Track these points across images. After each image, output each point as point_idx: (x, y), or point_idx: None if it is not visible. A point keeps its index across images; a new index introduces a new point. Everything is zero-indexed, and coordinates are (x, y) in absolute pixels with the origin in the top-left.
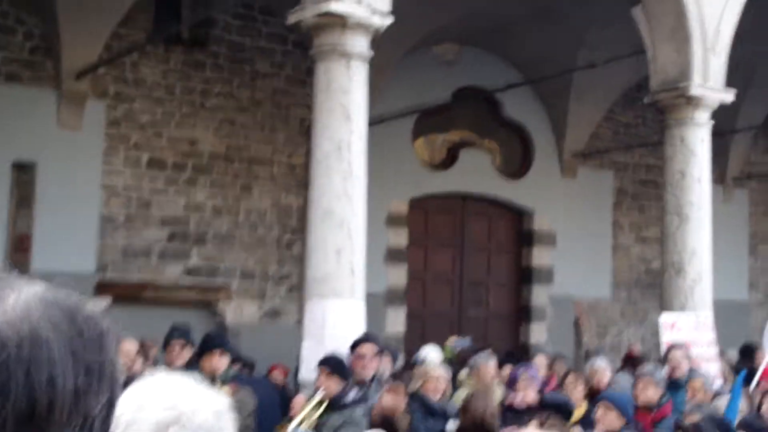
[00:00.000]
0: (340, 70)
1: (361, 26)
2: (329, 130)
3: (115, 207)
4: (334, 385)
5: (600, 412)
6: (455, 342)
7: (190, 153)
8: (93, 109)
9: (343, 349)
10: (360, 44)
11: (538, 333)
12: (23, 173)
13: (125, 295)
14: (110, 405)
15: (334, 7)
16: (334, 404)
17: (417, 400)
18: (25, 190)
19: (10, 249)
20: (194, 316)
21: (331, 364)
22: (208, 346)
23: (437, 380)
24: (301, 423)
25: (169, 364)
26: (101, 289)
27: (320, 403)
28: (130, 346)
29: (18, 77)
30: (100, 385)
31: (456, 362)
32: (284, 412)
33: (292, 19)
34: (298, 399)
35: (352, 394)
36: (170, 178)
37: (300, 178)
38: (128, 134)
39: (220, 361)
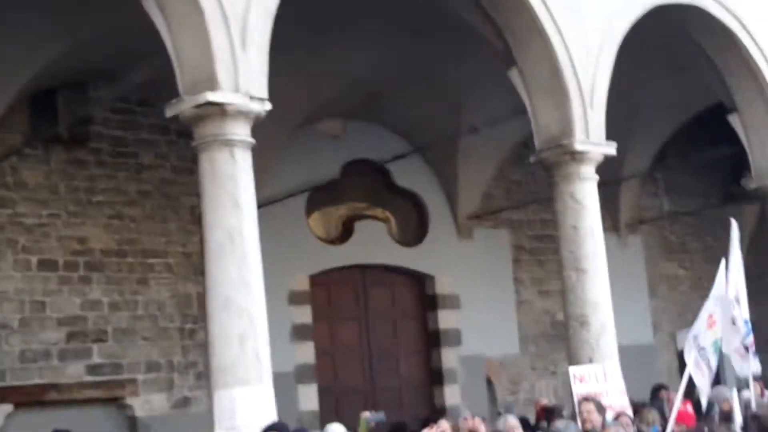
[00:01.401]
0: (224, 159)
1: (240, 113)
2: (220, 220)
3: (9, 312)
4: None
5: None
6: (369, 417)
7: (82, 251)
8: None
9: None
10: (242, 131)
11: (452, 396)
12: None
13: (28, 400)
14: None
15: (212, 97)
16: None
17: None
18: None
19: None
20: (102, 414)
21: None
22: None
23: None
24: None
25: None
26: (2, 395)
27: None
28: None
29: None
30: None
31: None
32: None
33: (170, 112)
34: None
35: None
36: (63, 278)
37: (196, 266)
38: (15, 238)
39: None
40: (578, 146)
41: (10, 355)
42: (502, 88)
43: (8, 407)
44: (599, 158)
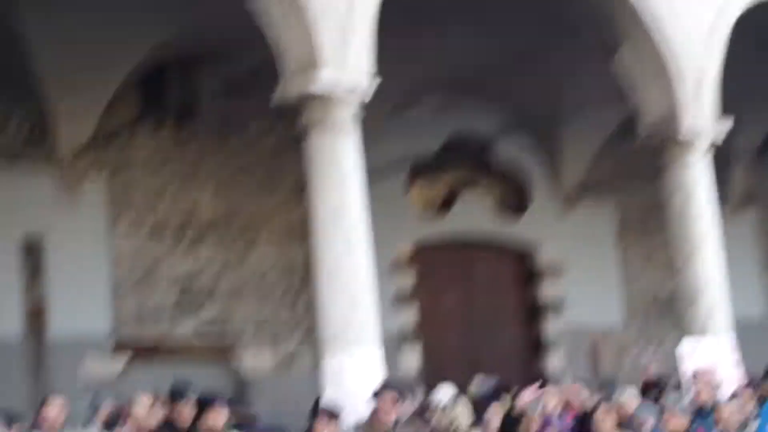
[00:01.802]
0: (329, 140)
1: (346, 96)
2: (325, 198)
3: (124, 272)
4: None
5: None
6: (480, 384)
7: (191, 219)
8: (92, 185)
9: (361, 398)
10: (347, 113)
11: (553, 366)
12: (33, 248)
13: (142, 355)
14: None
15: (318, 81)
16: None
17: None
18: (36, 264)
19: (27, 317)
20: (210, 370)
21: (327, 412)
22: (205, 402)
23: None
24: None
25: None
26: (118, 348)
27: None
28: (137, 406)
29: (19, 156)
30: None
31: (476, 405)
32: None
33: (276, 95)
34: None
35: None
36: (174, 242)
37: (300, 233)
38: (130, 203)
39: (219, 416)
40: (686, 130)
41: (126, 312)
42: (607, 69)
43: (123, 362)
44: (708, 140)
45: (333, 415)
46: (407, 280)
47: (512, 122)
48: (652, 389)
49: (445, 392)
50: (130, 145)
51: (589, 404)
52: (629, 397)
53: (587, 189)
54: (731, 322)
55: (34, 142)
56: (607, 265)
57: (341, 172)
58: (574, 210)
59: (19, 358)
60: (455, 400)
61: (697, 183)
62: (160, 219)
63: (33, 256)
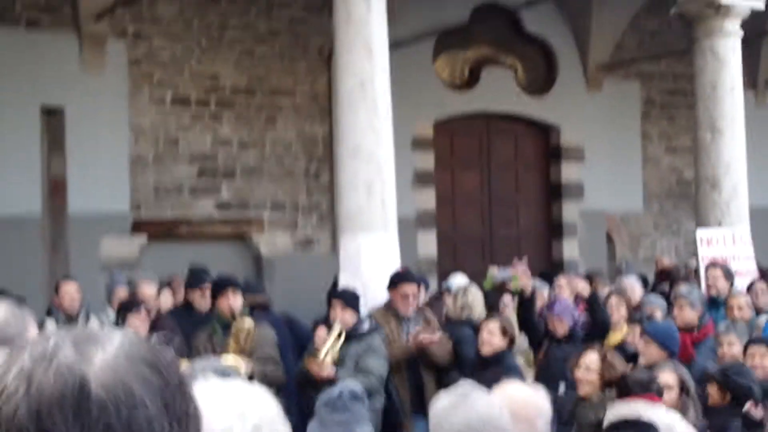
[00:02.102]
0: (359, 3)
1: None
2: (352, 66)
3: (144, 146)
4: (349, 317)
5: (641, 345)
6: (497, 274)
7: (213, 87)
8: (114, 50)
9: (378, 282)
10: None
11: (570, 249)
12: (52, 118)
13: (161, 232)
14: None
15: None
16: (352, 335)
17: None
18: (55, 135)
19: (46, 193)
20: (228, 250)
21: (345, 298)
22: (221, 286)
23: None
24: (326, 355)
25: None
26: (137, 227)
27: (339, 334)
28: (149, 290)
29: (38, 23)
30: (188, 428)
31: (495, 292)
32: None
33: None
34: (320, 332)
35: (367, 324)
36: (195, 114)
37: (323, 107)
38: (151, 72)
39: (235, 299)
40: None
41: (144, 188)
42: None
43: (143, 239)
44: (746, 12)
45: (350, 301)
46: (427, 159)
47: None
48: (666, 278)
49: (458, 279)
50: (153, 7)
51: (600, 292)
52: (633, 285)
53: (613, 68)
54: (750, 211)
55: (53, 7)
56: (629, 149)
57: (370, 33)
58: (599, 90)
59: (38, 233)
60: (468, 286)
61: (732, 53)
62: (180, 92)
63: (53, 129)
